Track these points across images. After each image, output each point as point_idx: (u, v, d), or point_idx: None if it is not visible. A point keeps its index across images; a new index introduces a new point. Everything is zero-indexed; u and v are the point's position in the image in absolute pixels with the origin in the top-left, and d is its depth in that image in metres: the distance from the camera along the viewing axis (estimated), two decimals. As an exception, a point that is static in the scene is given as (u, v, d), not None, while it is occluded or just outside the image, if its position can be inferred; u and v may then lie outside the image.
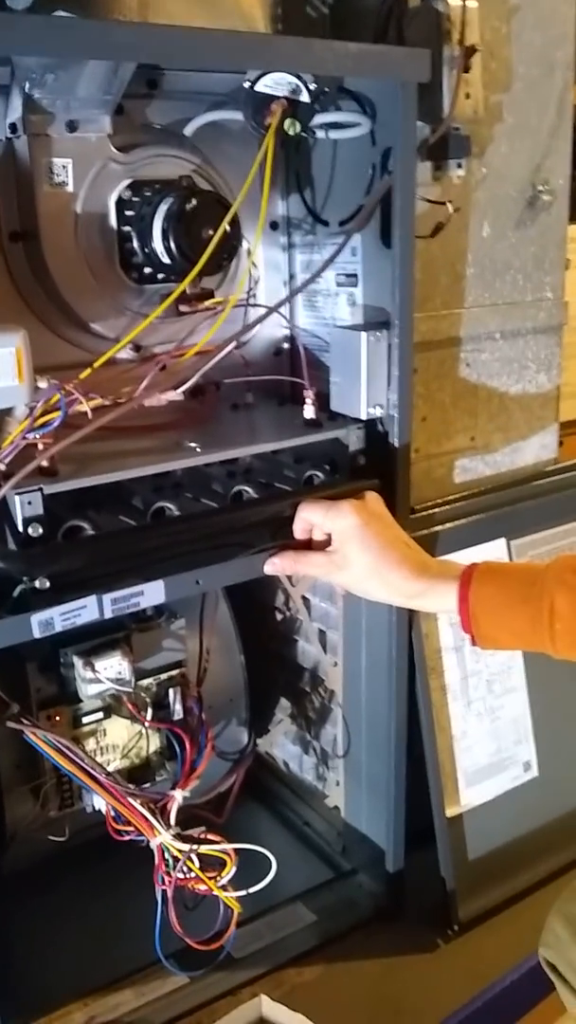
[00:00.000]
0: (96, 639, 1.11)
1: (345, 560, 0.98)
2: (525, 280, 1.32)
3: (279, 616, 1.44)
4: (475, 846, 1.28)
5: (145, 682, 1.17)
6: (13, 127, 0.98)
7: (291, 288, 1.23)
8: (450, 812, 1.26)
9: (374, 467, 1.11)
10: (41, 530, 0.91)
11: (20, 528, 0.90)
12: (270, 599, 1.44)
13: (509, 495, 1.34)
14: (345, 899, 1.31)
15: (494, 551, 1.30)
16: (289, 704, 1.46)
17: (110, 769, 1.15)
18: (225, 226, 0.98)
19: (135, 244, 1.03)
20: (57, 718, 1.12)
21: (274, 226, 1.22)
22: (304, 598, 1.37)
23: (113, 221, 1.04)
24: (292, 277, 1.24)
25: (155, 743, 1.18)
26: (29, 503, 0.90)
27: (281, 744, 1.52)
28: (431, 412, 1.28)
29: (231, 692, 1.34)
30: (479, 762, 1.29)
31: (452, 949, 1.23)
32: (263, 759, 1.56)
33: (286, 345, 1.26)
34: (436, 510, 1.27)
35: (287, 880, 1.34)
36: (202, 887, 1.08)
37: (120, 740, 1.16)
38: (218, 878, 1.07)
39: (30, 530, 0.91)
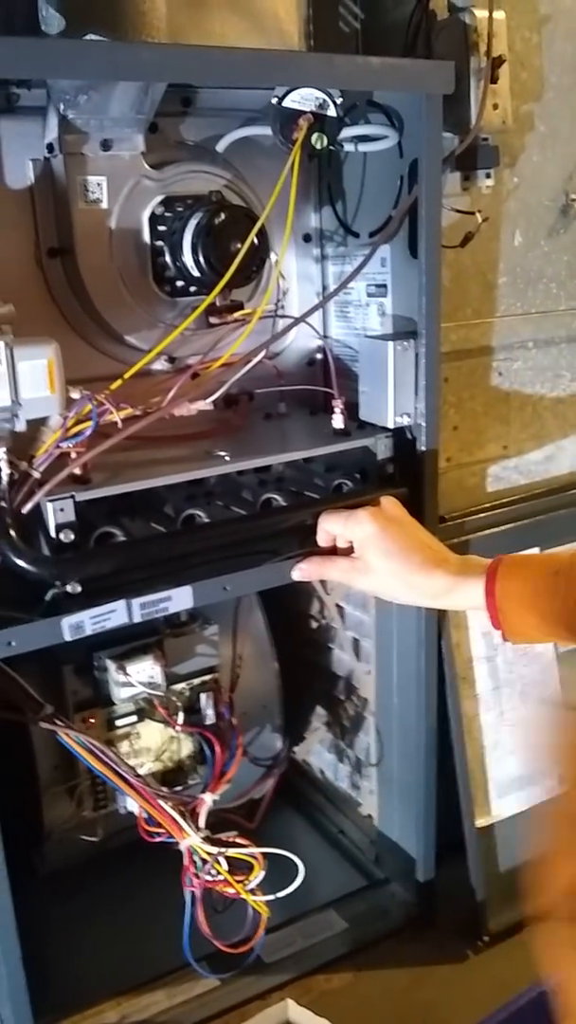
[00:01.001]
0: (130, 643, 1.13)
1: (368, 566, 0.99)
2: (559, 288, 1.32)
3: (314, 624, 1.45)
4: (507, 857, 1.28)
5: (178, 687, 1.19)
6: (50, 146, 1.01)
7: (328, 299, 1.24)
8: (481, 822, 1.25)
9: (403, 475, 1.12)
10: (73, 536, 0.93)
11: (52, 534, 0.93)
12: (305, 607, 1.46)
13: (543, 504, 1.33)
14: (377, 908, 1.31)
15: (528, 560, 1.30)
16: (324, 712, 1.47)
17: (143, 771, 1.17)
18: (252, 239, 1.00)
19: (167, 258, 1.06)
20: (92, 720, 1.14)
21: (307, 238, 1.24)
22: (338, 606, 1.38)
23: (146, 236, 1.06)
24: (325, 288, 1.26)
25: (188, 747, 1.20)
26: (61, 510, 0.93)
27: (317, 752, 1.52)
28: (462, 421, 1.28)
29: (265, 699, 1.36)
30: (511, 773, 1.29)
31: (482, 960, 1.22)
32: (300, 767, 1.57)
33: (319, 356, 1.27)
34: (467, 519, 1.27)
35: (320, 887, 1.36)
36: (230, 890, 1.09)
37: (153, 743, 1.18)
38: (246, 882, 1.09)
39: (62, 536, 0.93)
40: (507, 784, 1.28)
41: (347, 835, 1.45)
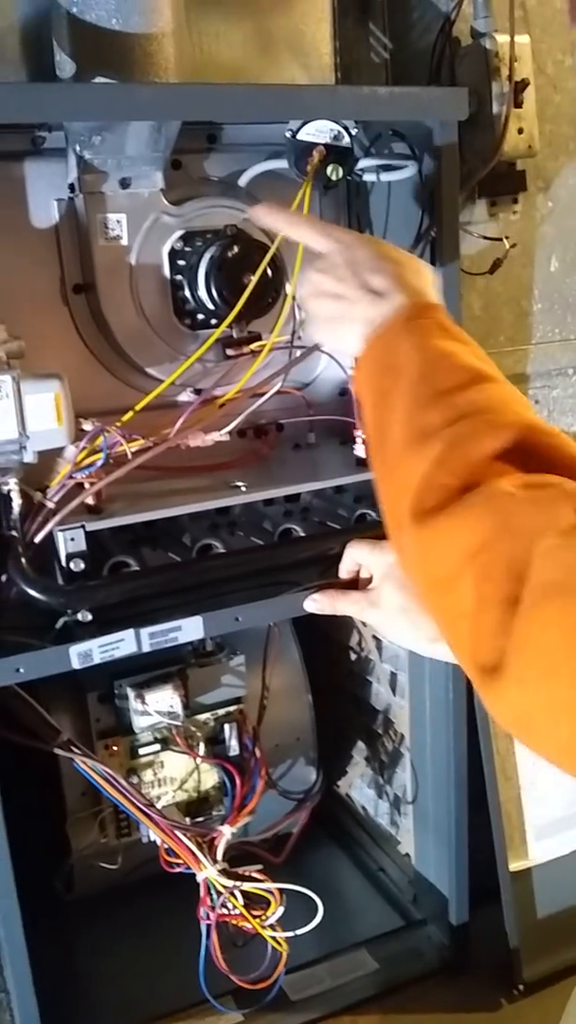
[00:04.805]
0: (152, 672, 1.14)
1: (380, 598, 0.97)
2: (601, 314, 1.28)
3: (353, 656, 1.43)
4: (545, 903, 1.23)
5: (202, 717, 1.19)
6: (72, 186, 1.04)
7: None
8: (516, 866, 1.21)
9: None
10: (83, 565, 0.95)
11: (64, 563, 0.95)
12: (346, 639, 1.44)
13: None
14: (411, 949, 1.28)
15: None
16: (364, 746, 1.44)
17: (167, 801, 1.18)
18: (267, 271, 1.01)
19: (187, 292, 1.07)
20: (115, 748, 1.15)
21: (337, 268, 1.23)
22: (375, 638, 1.36)
23: (166, 271, 1.08)
24: (356, 318, 1.25)
25: (213, 778, 1.20)
26: (72, 539, 0.95)
27: (358, 787, 1.50)
28: (496, 450, 1.25)
29: (298, 731, 1.34)
30: (550, 815, 1.24)
31: (515, 1010, 1.18)
32: (344, 802, 1.55)
33: (351, 385, 1.26)
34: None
35: (357, 925, 1.33)
36: (248, 925, 1.08)
37: (177, 773, 1.19)
38: (264, 917, 1.07)
39: (72, 565, 0.95)
40: (545, 827, 1.24)
41: (387, 873, 1.41)
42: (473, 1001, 1.19)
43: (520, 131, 1.08)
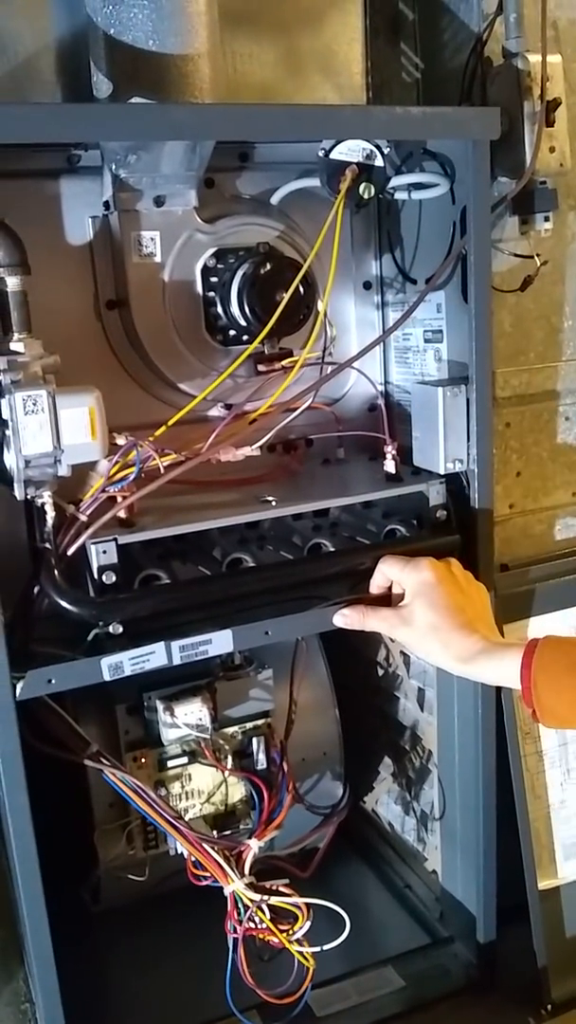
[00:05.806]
0: (181, 684, 1.15)
1: (411, 615, 0.98)
2: (633, 331, 1.27)
3: (380, 671, 1.43)
4: (573, 922, 1.21)
5: (230, 730, 1.19)
6: (106, 204, 1.06)
7: (372, 346, 1.23)
8: (544, 884, 1.20)
9: (459, 522, 1.10)
10: (115, 578, 0.96)
11: (95, 575, 0.96)
12: (373, 654, 1.44)
13: (617, 553, 1.28)
14: (437, 967, 1.27)
15: (599, 611, 1.25)
16: (391, 762, 1.44)
17: (195, 814, 1.18)
18: (299, 288, 1.02)
19: (219, 308, 1.08)
20: (143, 760, 1.16)
21: (367, 286, 1.25)
22: (403, 654, 1.36)
23: (199, 287, 1.09)
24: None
25: (240, 791, 1.20)
26: (104, 552, 0.96)
27: (385, 803, 1.50)
28: (526, 467, 1.25)
29: (325, 745, 1.34)
30: (580, 834, 1.23)
31: (543, 1031, 1.16)
32: (370, 818, 1.54)
33: (380, 401, 1.27)
34: (532, 567, 1.23)
35: (383, 942, 1.33)
36: (275, 939, 1.08)
37: (205, 786, 1.19)
38: (291, 931, 1.07)
39: (104, 578, 0.96)
40: (574, 846, 1.23)
41: (413, 890, 1.41)
42: (500, 1020, 1.18)
43: (552, 149, 1.09)
